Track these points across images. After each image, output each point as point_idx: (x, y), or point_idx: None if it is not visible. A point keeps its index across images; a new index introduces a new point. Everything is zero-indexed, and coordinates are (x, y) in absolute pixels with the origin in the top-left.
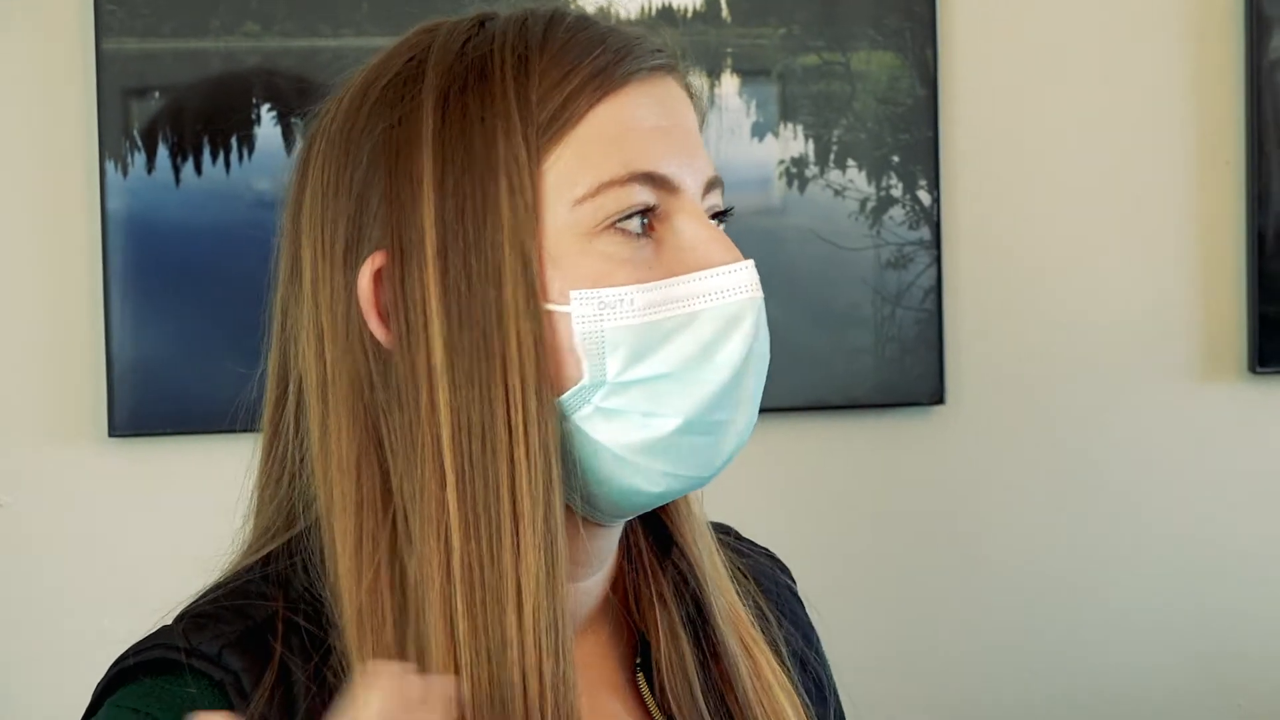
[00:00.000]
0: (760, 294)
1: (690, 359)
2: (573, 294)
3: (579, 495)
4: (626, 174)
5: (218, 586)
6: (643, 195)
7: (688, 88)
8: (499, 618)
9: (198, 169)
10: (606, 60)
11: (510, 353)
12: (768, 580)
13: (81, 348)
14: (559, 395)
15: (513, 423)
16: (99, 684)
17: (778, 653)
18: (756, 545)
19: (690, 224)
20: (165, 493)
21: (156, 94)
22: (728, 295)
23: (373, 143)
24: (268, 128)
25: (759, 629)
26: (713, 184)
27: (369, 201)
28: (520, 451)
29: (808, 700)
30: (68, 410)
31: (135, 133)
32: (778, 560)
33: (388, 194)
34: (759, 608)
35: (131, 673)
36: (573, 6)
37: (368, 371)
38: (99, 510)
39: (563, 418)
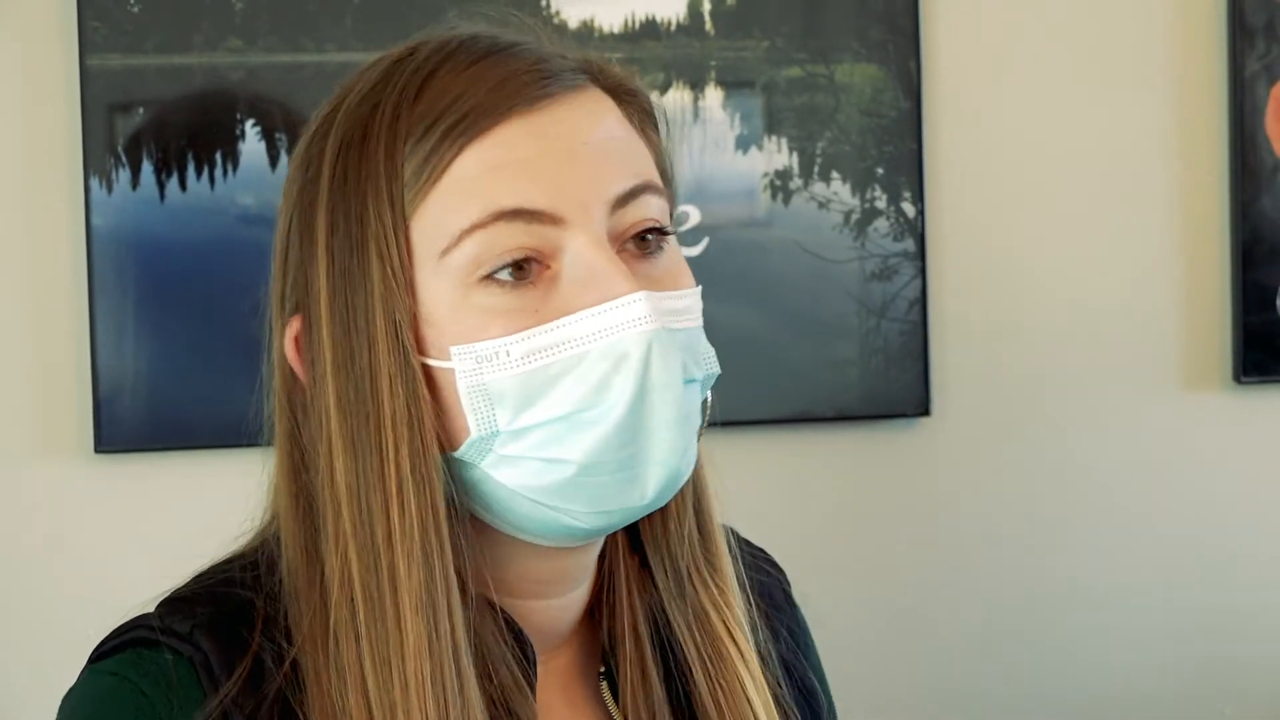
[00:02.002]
0: (654, 325)
1: (580, 401)
2: (451, 350)
3: (515, 530)
4: (487, 215)
5: (199, 576)
6: (513, 237)
7: (619, 94)
8: (388, 685)
9: (182, 185)
10: (474, 103)
11: (384, 415)
12: (763, 584)
13: (67, 364)
14: (457, 447)
15: (388, 485)
16: (84, 667)
17: (763, 660)
18: (756, 548)
19: (583, 255)
20: (152, 508)
21: (140, 110)
22: (614, 332)
23: (291, 200)
24: (252, 143)
25: (748, 633)
26: (630, 195)
27: (291, 258)
28: (395, 514)
29: (791, 707)
30: (53, 427)
31: (119, 148)
32: (774, 563)
33: (299, 253)
34: (749, 614)
35: (110, 650)
36: (557, 19)
37: (294, 426)
38: (85, 526)
39: (470, 466)
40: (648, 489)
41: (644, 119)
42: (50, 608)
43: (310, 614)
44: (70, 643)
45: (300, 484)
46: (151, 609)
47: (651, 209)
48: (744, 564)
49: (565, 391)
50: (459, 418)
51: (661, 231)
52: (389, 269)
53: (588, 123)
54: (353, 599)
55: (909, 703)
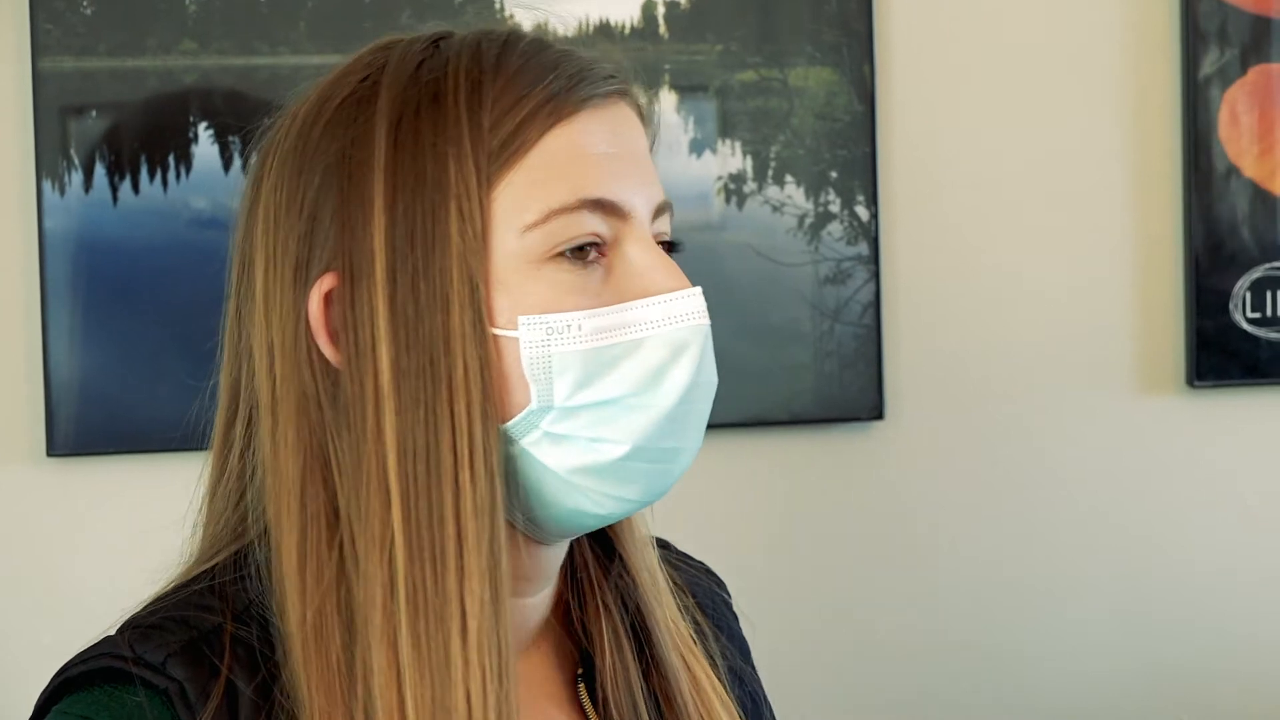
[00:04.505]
0: (707, 321)
1: (637, 384)
2: (520, 319)
3: (522, 515)
4: (576, 201)
5: (162, 597)
6: (592, 223)
7: (640, 112)
8: (443, 640)
9: (135, 187)
10: (560, 86)
11: (456, 377)
12: (704, 594)
13: (18, 367)
14: (506, 420)
15: (458, 447)
16: (43, 692)
17: (715, 667)
18: (692, 559)
19: (639, 250)
20: (105, 512)
21: (94, 113)
22: (675, 322)
23: (326, 163)
24: (205, 146)
25: (697, 643)
26: (662, 209)
27: (321, 221)
28: (465, 476)
29: (744, 715)
30: (5, 430)
31: (72, 151)
32: (713, 574)
33: (339, 215)
34: (696, 622)
35: (77, 681)
36: (510, 23)
37: (315, 391)
38: (37, 530)
39: (510, 441)
40: (670, 480)
41: (651, 141)
42: (3, 611)
43: (322, 585)
44: (24, 646)
45: (317, 450)
46: (113, 632)
47: (668, 225)
48: (683, 575)
49: (623, 374)
50: (513, 390)
51: (673, 247)
52: (470, 229)
53: (636, 131)
54: (393, 560)
55: (862, 710)
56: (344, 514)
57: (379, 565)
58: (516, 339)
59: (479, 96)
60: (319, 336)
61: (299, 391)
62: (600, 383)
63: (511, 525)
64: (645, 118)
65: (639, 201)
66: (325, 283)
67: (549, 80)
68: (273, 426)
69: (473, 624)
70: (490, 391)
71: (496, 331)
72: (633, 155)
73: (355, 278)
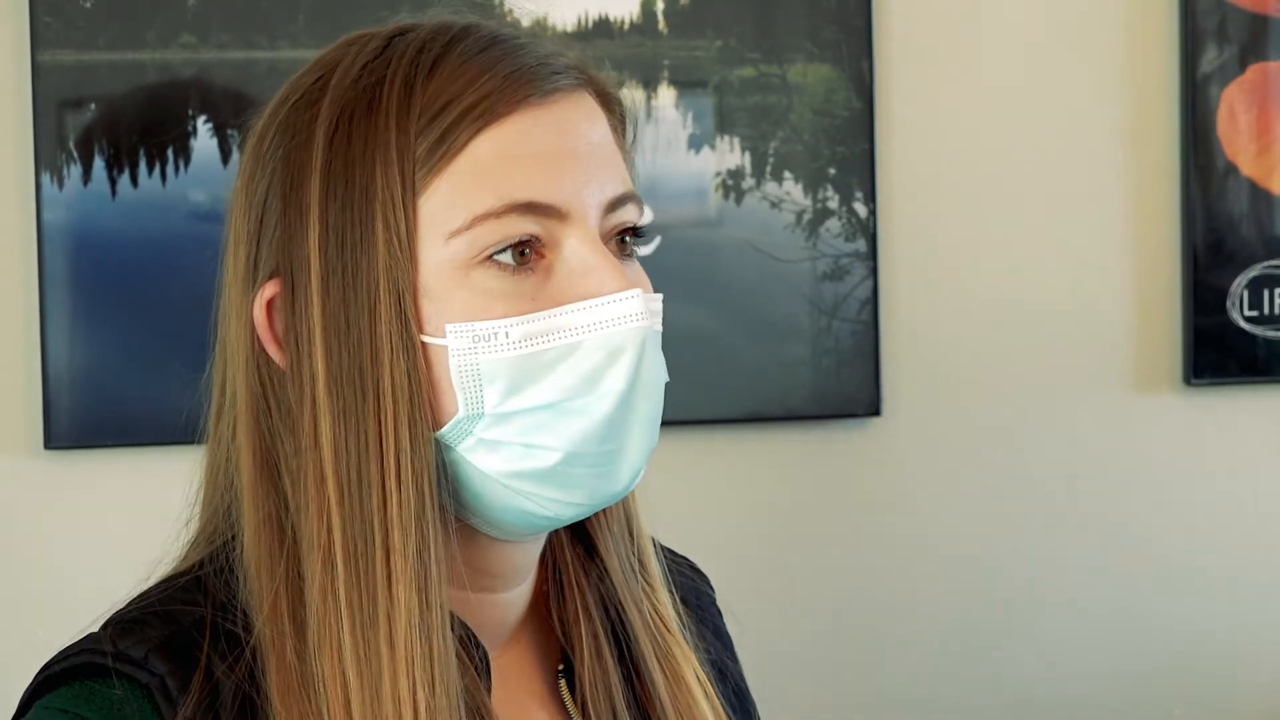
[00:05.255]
0: (647, 322)
1: (571, 390)
2: (448, 327)
3: (477, 518)
4: (502, 205)
5: (147, 592)
6: (522, 225)
7: (606, 101)
8: (375, 648)
9: (134, 181)
10: (491, 88)
11: (384, 386)
12: (688, 590)
13: (16, 360)
14: (440, 427)
15: (384, 455)
16: (26, 690)
17: (700, 662)
18: (677, 555)
19: (579, 250)
20: (102, 505)
21: (92, 106)
22: (610, 325)
23: (274, 164)
24: (204, 139)
25: (686, 639)
26: (620, 201)
27: (267, 224)
28: (392, 483)
29: (730, 710)
30: (2, 423)
31: (71, 144)
32: (698, 570)
33: (281, 219)
34: (680, 617)
35: (59, 677)
36: (510, 17)
37: (263, 393)
38: (34, 523)
39: (447, 448)
40: (619, 484)
41: (621, 128)
42: None
43: (275, 585)
44: (18, 640)
45: (266, 453)
46: (96, 627)
47: (633, 214)
48: (672, 568)
49: (556, 379)
50: (444, 396)
51: (637, 234)
52: (395, 239)
53: (587, 124)
54: (333, 565)
55: (857, 706)
56: (292, 518)
57: (320, 570)
58: (445, 347)
59: (409, 103)
60: (265, 341)
61: (249, 394)
62: (533, 389)
63: (470, 526)
64: (616, 108)
65: (580, 199)
66: (269, 288)
67: (482, 81)
68: (234, 425)
69: (400, 634)
70: (419, 400)
71: (426, 339)
72: (579, 151)
73: (295, 284)
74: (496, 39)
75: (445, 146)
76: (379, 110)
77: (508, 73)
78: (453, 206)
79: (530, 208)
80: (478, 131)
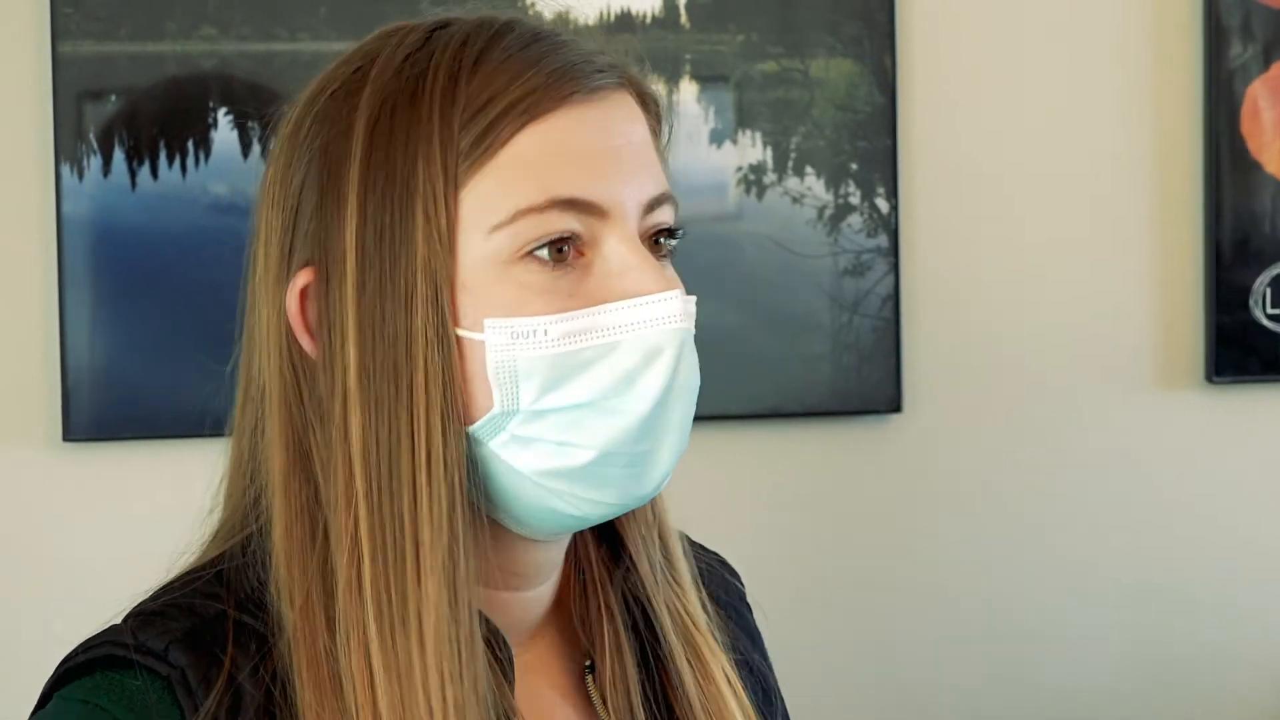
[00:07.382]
0: (686, 324)
1: (607, 390)
2: (486, 322)
3: (506, 515)
4: (545, 200)
5: (169, 585)
6: (564, 222)
7: (644, 101)
8: (404, 643)
9: (154, 172)
10: (536, 84)
11: (418, 380)
12: (717, 584)
13: (36, 352)
14: (473, 422)
15: (416, 450)
16: (48, 681)
17: (728, 659)
18: (706, 549)
19: (619, 250)
20: (120, 498)
21: (113, 97)
22: (649, 326)
23: (311, 155)
24: (224, 131)
25: (716, 636)
26: (658, 201)
27: (303, 213)
28: (423, 478)
29: (757, 705)
30: (21, 415)
31: (91, 136)
32: (727, 565)
33: (319, 209)
34: (710, 616)
35: (80, 669)
36: (532, 11)
37: (296, 384)
38: (53, 515)
39: (479, 444)
40: (649, 485)
41: (658, 128)
42: (17, 597)
43: (307, 578)
44: (37, 632)
45: (298, 444)
46: (119, 620)
47: (669, 215)
48: (697, 567)
49: (594, 378)
50: (477, 391)
51: (673, 235)
52: (435, 232)
53: (629, 124)
54: (360, 559)
55: (879, 702)
56: (324, 510)
57: (348, 564)
58: (483, 342)
59: (453, 95)
60: (297, 331)
61: (280, 385)
62: (569, 387)
63: (499, 523)
64: (651, 109)
65: (621, 198)
66: (302, 277)
67: (527, 77)
68: (266, 416)
69: (429, 628)
70: (453, 395)
71: (462, 334)
72: (619, 150)
73: (330, 275)
74: (540, 35)
75: (489, 141)
76: (422, 103)
77: (552, 69)
78: (495, 200)
79: (572, 204)
80: (522, 127)
